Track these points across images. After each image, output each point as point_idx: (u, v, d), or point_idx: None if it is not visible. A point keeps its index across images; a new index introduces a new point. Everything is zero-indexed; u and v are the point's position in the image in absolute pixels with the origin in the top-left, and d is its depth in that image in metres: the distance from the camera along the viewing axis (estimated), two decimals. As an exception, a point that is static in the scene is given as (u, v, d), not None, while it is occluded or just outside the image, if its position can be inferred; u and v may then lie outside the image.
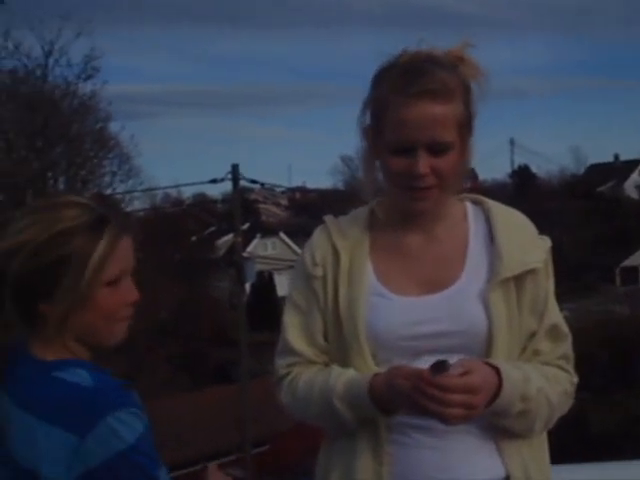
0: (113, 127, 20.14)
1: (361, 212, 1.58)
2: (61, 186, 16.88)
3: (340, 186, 43.31)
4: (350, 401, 1.43)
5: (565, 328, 1.52)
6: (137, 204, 21.02)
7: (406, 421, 1.42)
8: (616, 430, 12.46)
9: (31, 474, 1.25)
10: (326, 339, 1.52)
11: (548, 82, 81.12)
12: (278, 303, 25.08)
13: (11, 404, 1.29)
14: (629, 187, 41.49)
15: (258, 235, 31.96)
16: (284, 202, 43.05)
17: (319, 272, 1.52)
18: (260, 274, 24.51)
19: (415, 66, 1.41)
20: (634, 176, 42.57)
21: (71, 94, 17.47)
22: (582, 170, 46.13)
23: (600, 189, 39.49)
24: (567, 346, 1.52)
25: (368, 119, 1.49)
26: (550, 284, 1.51)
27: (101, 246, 1.28)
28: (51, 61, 17.07)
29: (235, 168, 14.99)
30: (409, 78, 1.39)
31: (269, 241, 33.27)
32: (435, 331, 1.43)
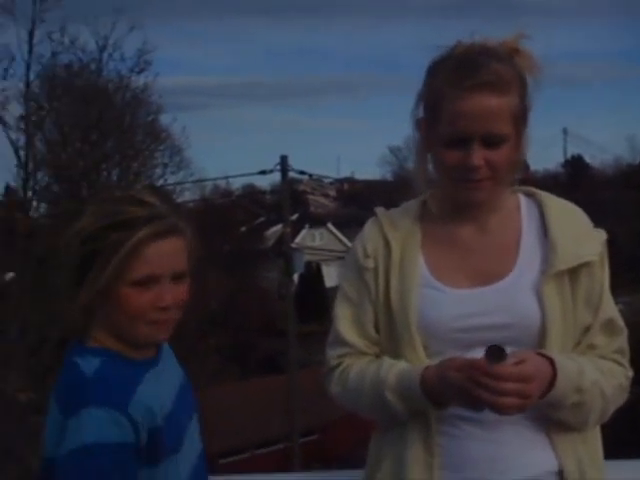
0: (164, 119, 20.49)
1: (412, 204, 1.58)
2: (114, 178, 17.22)
3: (388, 177, 43.15)
4: (402, 393, 1.44)
5: (621, 322, 1.50)
6: (187, 195, 21.30)
7: (457, 413, 1.41)
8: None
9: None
10: (377, 331, 1.53)
11: (603, 69, 79.06)
12: (326, 294, 25.15)
13: None
14: (687, 177, 40.12)
15: (306, 226, 32.03)
16: (332, 193, 43.04)
17: (370, 264, 1.53)
18: (308, 265, 24.58)
19: (470, 58, 1.41)
20: (693, 165, 41.18)
21: (124, 87, 17.78)
22: (638, 159, 44.90)
23: (657, 179, 38.30)
24: (622, 340, 1.50)
25: (421, 111, 1.49)
26: (605, 277, 1.49)
27: (128, 245, 1.29)
28: (105, 55, 17.40)
29: (284, 159, 15.06)
30: (464, 71, 1.39)
31: (317, 232, 33.34)
32: (487, 324, 1.43)
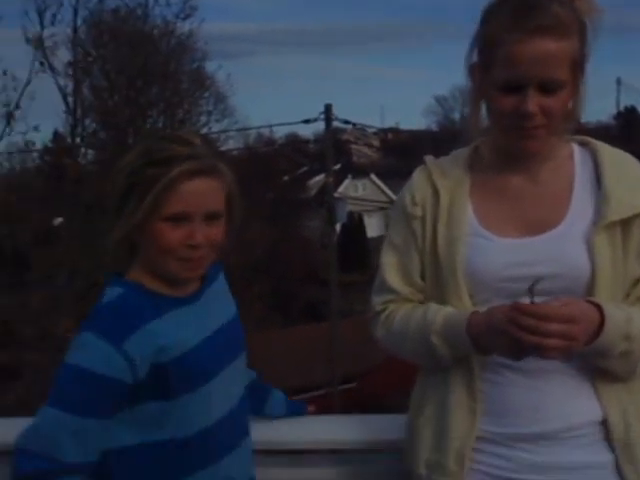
0: (209, 66, 20.42)
1: (463, 152, 1.56)
2: (160, 125, 17.31)
3: (433, 127, 42.45)
4: (447, 336, 1.44)
5: None
6: (231, 143, 21.36)
7: (500, 360, 1.41)
8: None
9: None
10: (423, 279, 1.54)
11: (662, 16, 75.40)
12: (367, 245, 25.15)
13: None
14: None
15: (349, 176, 31.89)
16: (376, 143, 42.59)
17: (418, 212, 1.53)
18: (351, 215, 24.56)
19: (528, 0, 1.37)
20: None
21: (169, 33, 17.74)
22: (694, 112, 43.17)
23: None
24: None
25: (476, 56, 1.45)
26: None
27: (164, 181, 1.32)
28: (151, 0, 17.34)
29: (328, 108, 14.92)
30: (522, 13, 1.35)
31: (360, 182, 33.17)
32: (535, 273, 1.40)
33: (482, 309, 1.42)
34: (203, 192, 1.36)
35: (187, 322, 1.41)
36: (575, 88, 1.41)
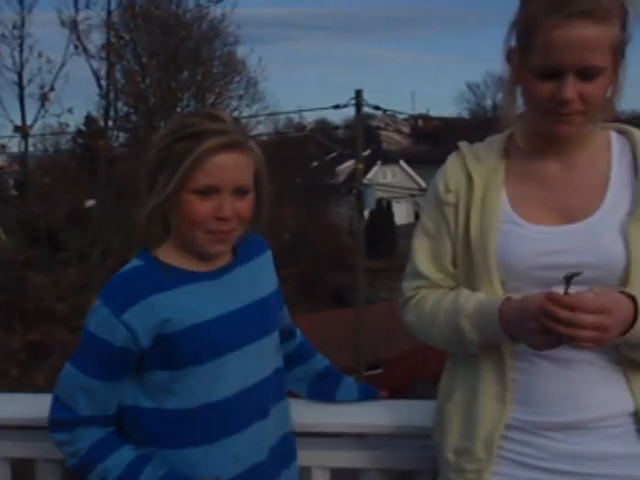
0: (241, 51, 20.47)
1: (498, 138, 1.55)
2: (190, 109, 17.40)
3: (465, 114, 42.07)
4: (477, 322, 1.44)
5: None
6: (261, 128, 21.42)
7: (531, 349, 1.40)
8: None
9: None
10: (454, 266, 1.53)
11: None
12: (395, 232, 25.08)
13: None
14: None
15: (378, 162, 31.77)
16: (406, 129, 42.32)
17: (451, 199, 1.52)
18: (379, 202, 24.49)
19: None
20: None
21: (202, 17, 17.77)
22: None
23: None
24: None
25: (514, 41, 1.43)
26: None
27: (193, 155, 1.35)
28: (184, -16, 17.35)
29: (359, 93, 14.87)
30: None
31: (389, 169, 33.05)
32: (569, 262, 1.39)
33: (514, 297, 1.40)
34: (232, 166, 1.38)
35: (204, 296, 1.43)
36: (614, 74, 1.38)
